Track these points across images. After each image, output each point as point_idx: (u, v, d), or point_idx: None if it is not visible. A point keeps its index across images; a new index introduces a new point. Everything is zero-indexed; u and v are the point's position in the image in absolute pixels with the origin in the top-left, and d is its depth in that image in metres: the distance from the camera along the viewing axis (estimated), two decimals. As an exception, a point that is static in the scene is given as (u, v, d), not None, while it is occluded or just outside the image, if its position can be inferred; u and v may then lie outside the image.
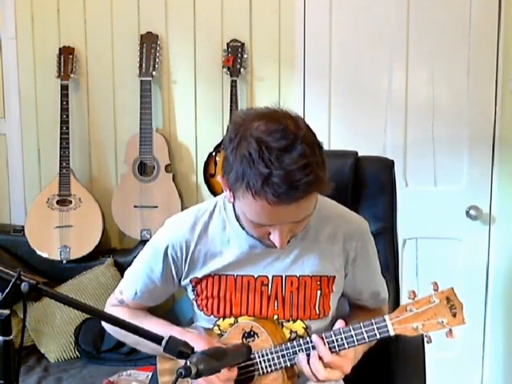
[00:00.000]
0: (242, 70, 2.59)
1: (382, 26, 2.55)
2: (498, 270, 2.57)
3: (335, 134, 2.58)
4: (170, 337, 1.13)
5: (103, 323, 1.45)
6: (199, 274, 1.40)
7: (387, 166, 1.81)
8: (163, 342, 1.12)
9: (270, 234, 1.24)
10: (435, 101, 2.54)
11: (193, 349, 1.15)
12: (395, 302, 1.73)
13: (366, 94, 2.60)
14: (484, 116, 2.50)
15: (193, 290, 1.42)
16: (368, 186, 1.77)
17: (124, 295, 1.50)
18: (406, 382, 1.63)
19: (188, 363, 1.11)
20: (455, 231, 2.58)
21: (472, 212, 2.53)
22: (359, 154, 1.82)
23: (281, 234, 1.22)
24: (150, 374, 1.89)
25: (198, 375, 1.12)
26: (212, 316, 1.40)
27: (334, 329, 1.29)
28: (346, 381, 1.53)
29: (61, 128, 2.67)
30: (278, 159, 1.10)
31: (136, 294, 1.47)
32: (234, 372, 1.29)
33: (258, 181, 1.11)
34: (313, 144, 1.16)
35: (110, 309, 1.52)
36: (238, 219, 1.36)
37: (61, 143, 2.67)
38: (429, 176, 2.58)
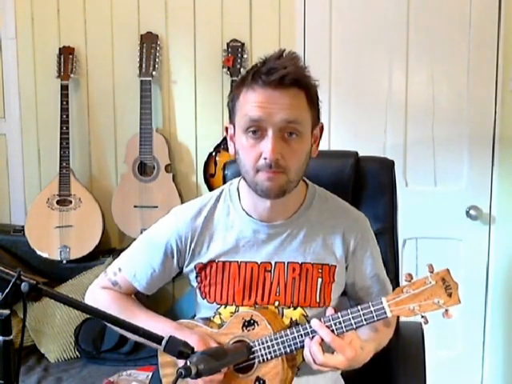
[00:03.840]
0: (241, 69, 2.59)
1: (382, 26, 2.54)
2: (498, 270, 2.57)
3: (335, 133, 2.58)
4: (170, 337, 1.13)
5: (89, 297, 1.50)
6: (204, 259, 1.43)
7: (387, 166, 1.81)
8: (163, 342, 1.12)
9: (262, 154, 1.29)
10: (435, 101, 2.54)
11: (193, 349, 1.15)
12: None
13: (365, 94, 2.60)
14: (484, 116, 2.50)
15: (196, 277, 1.44)
16: (368, 186, 1.77)
17: (119, 277, 1.48)
18: (406, 381, 1.63)
19: (188, 363, 1.12)
20: (455, 231, 2.58)
21: (472, 212, 2.53)
22: (359, 154, 1.82)
23: (272, 141, 1.26)
24: (150, 373, 1.89)
25: (198, 375, 1.12)
26: (214, 303, 1.42)
27: (327, 315, 1.30)
28: (347, 380, 1.53)
29: (61, 128, 2.67)
30: (273, 57, 1.29)
31: (135, 276, 1.47)
32: (220, 375, 1.30)
33: (252, 72, 1.28)
34: (301, 59, 1.34)
35: (99, 291, 1.50)
36: (241, 205, 1.42)
37: (61, 143, 2.67)
38: (429, 176, 2.58)
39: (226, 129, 1.42)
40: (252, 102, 1.28)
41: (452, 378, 2.61)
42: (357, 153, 1.82)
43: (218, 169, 2.65)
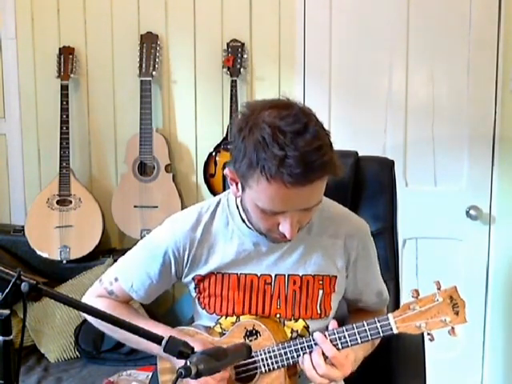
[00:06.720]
0: (241, 69, 2.59)
1: (382, 26, 2.55)
2: (498, 270, 2.57)
3: (335, 133, 2.55)
4: (170, 337, 1.13)
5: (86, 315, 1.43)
6: (202, 271, 1.40)
7: (387, 166, 1.81)
8: (163, 342, 1.12)
9: (279, 225, 1.23)
10: (435, 101, 2.54)
11: (193, 349, 1.15)
12: (395, 302, 1.73)
13: (366, 94, 2.60)
14: (484, 116, 2.50)
15: (195, 288, 1.42)
16: (368, 185, 1.77)
17: (116, 286, 1.45)
18: (406, 381, 1.63)
19: (188, 363, 1.11)
20: (455, 231, 2.58)
21: (472, 212, 2.53)
22: (359, 154, 1.82)
23: (291, 223, 1.21)
24: (150, 373, 1.89)
25: (198, 375, 1.11)
26: (214, 314, 1.41)
27: (330, 329, 1.29)
28: (347, 380, 1.53)
29: (61, 128, 2.67)
30: (293, 142, 1.12)
31: (132, 286, 1.44)
32: (227, 373, 1.29)
33: (274, 163, 1.11)
34: (323, 128, 1.20)
35: (96, 299, 1.46)
36: (241, 217, 1.37)
37: (61, 143, 2.67)
38: (429, 176, 2.58)
39: (226, 174, 1.28)
40: (276, 196, 1.16)
41: (452, 379, 2.61)
42: (357, 152, 1.82)
43: (217, 169, 2.65)
